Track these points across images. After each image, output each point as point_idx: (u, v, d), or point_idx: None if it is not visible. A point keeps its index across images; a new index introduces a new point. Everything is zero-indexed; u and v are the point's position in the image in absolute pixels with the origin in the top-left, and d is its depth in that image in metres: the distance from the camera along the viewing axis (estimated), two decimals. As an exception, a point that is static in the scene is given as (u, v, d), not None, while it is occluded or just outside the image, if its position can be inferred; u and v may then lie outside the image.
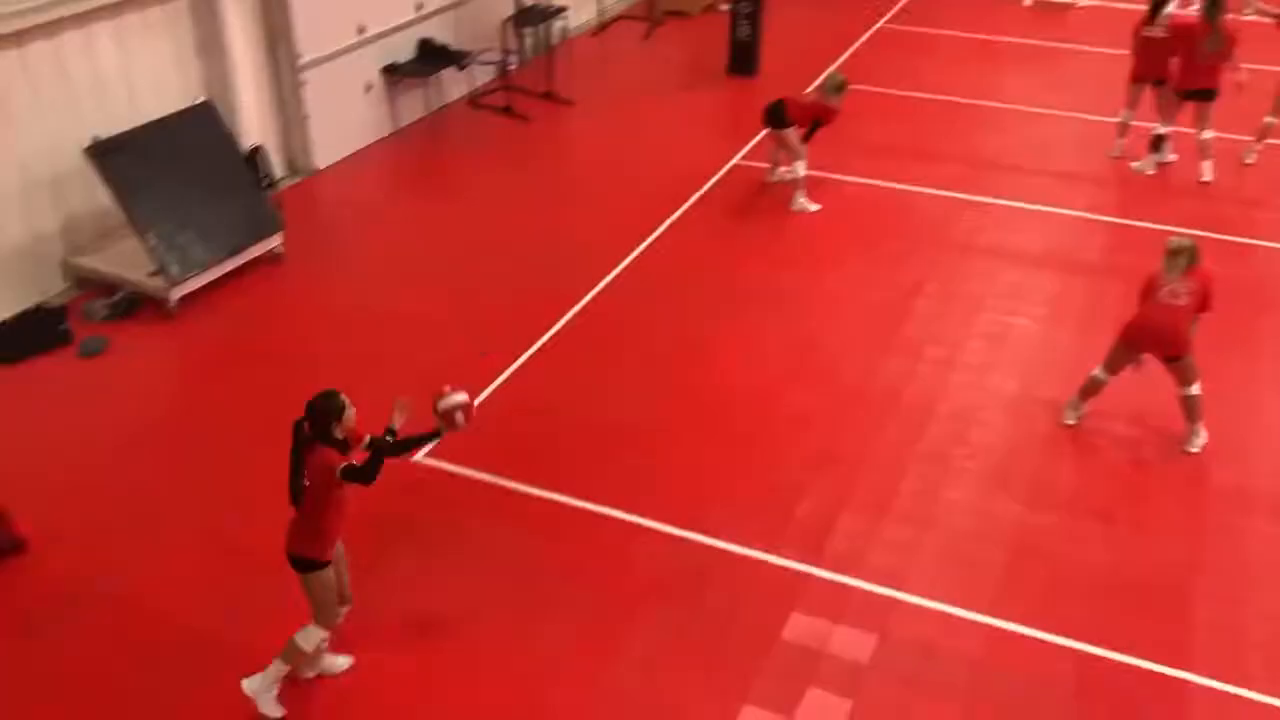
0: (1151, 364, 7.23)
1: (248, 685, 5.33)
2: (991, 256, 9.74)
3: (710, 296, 9.04)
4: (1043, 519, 6.71)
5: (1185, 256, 6.96)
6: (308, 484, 4.99)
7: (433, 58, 12.25)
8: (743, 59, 13.74)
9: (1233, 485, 7.00)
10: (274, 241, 9.44)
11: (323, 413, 4.93)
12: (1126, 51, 11.21)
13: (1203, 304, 7.00)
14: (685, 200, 10.62)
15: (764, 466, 7.12)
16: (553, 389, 7.85)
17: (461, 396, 5.32)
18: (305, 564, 5.16)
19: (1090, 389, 7.41)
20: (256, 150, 10.23)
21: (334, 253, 9.80)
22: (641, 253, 9.70)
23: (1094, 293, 9.01)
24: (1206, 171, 10.79)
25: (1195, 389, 7.14)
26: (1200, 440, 7.27)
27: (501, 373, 7.99)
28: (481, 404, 7.50)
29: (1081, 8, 15.41)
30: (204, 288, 8.87)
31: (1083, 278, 9.37)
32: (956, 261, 9.63)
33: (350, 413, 5.00)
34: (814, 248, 9.85)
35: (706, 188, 10.91)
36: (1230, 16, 10.53)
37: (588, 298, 8.97)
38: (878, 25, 15.70)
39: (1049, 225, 10.24)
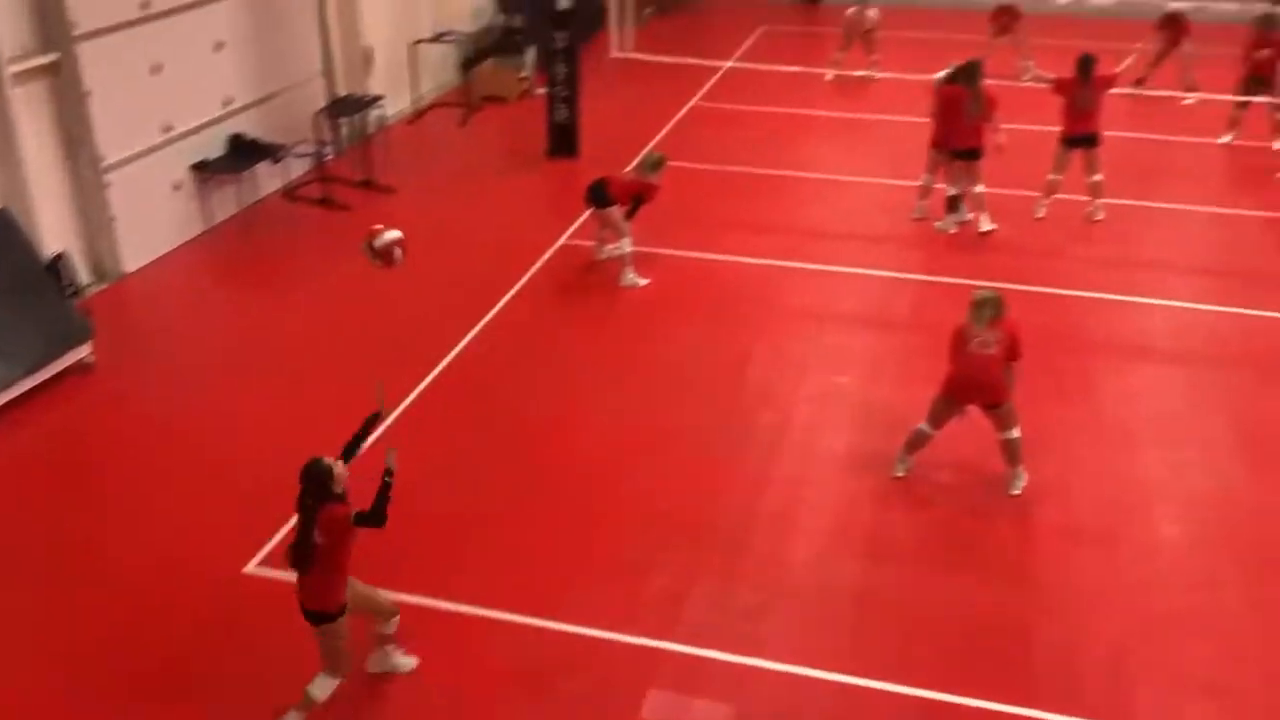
0: (971, 411, 7.55)
1: None
2: (814, 320, 10.06)
3: (547, 376, 9.03)
4: (885, 572, 6.88)
5: (990, 308, 7.31)
6: (321, 542, 5.28)
7: (244, 153, 11.97)
8: (562, 141, 13.95)
9: (1058, 522, 7.34)
10: (83, 351, 8.95)
11: (318, 476, 5.31)
12: (923, 119, 11.89)
13: (1012, 352, 7.36)
14: (515, 282, 10.62)
15: (614, 544, 7.08)
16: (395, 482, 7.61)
17: (395, 233, 5.61)
18: (323, 617, 5.46)
19: (916, 442, 7.69)
20: (59, 257, 9.73)
21: (147, 357, 9.36)
22: (475, 337, 9.62)
23: (910, 347, 9.40)
24: (984, 223, 11.52)
25: (1015, 433, 7.49)
26: (1022, 482, 7.61)
27: (336, 471, 7.73)
28: (316, 505, 7.22)
29: (879, 80, 16.32)
30: (6, 405, 8.31)
31: (899, 334, 9.78)
32: (782, 327, 9.91)
33: (340, 469, 5.38)
34: (646, 321, 9.98)
35: (535, 269, 10.94)
36: (996, 83, 11.32)
37: (422, 385, 8.82)
38: (691, 103, 16.22)
39: (865, 287, 10.67)
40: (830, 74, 16.76)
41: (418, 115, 15.67)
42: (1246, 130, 14.12)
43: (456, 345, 9.44)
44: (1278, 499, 7.55)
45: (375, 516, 5.41)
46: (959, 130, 11.29)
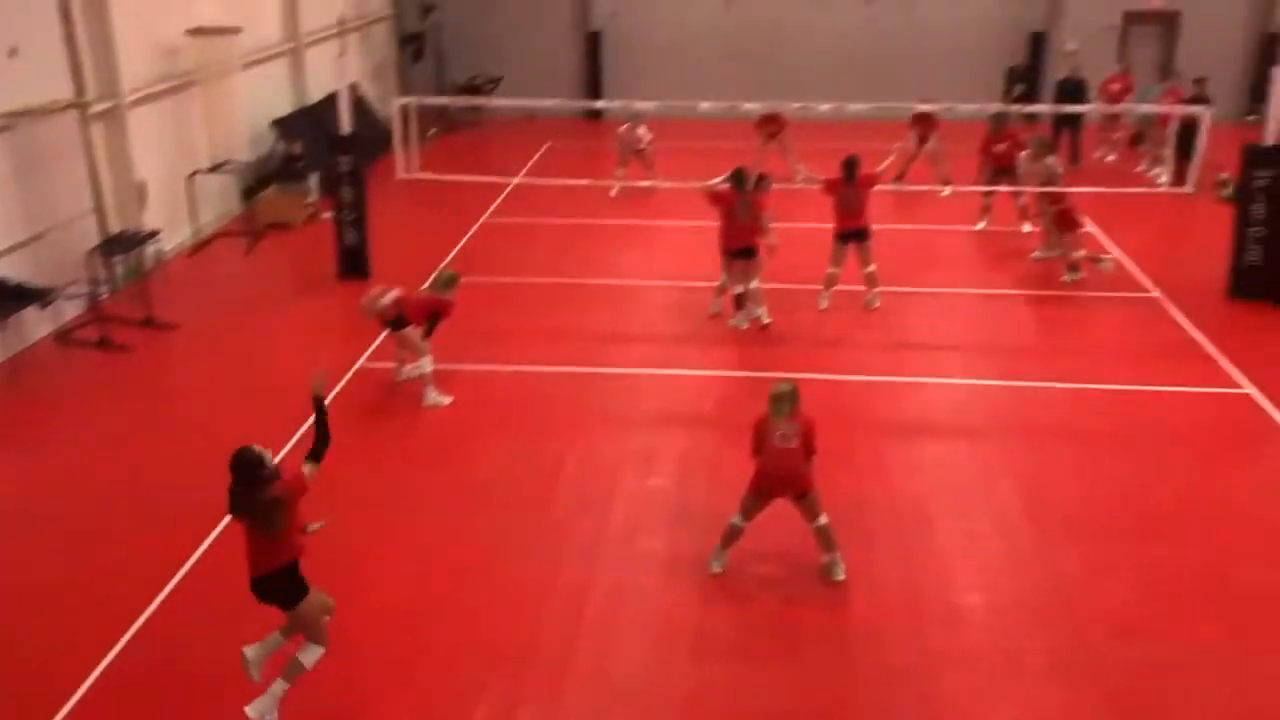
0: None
1: (252, 710, 5.96)
2: (621, 424, 10.18)
3: (354, 507, 8.71)
4: (713, 671, 6.90)
5: (788, 401, 7.58)
6: (286, 507, 5.95)
7: (8, 298, 11.25)
8: (353, 264, 13.78)
9: (868, 603, 7.55)
10: None
11: (247, 463, 5.90)
12: (709, 223, 12.36)
13: (809, 445, 7.63)
14: (311, 415, 10.27)
15: (434, 679, 6.84)
16: (192, 640, 7.16)
17: (394, 292, 6.32)
18: (296, 587, 6.08)
19: (731, 537, 7.82)
20: None
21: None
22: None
23: (717, 442, 9.61)
24: (764, 316, 12.07)
25: (824, 520, 7.72)
26: (841, 568, 7.81)
27: (128, 628, 7.20)
28: (115, 663, 6.70)
29: (663, 190, 16.91)
30: None
31: (705, 430, 10.00)
32: (591, 433, 9.96)
33: (268, 455, 5.99)
34: (453, 441, 9.84)
35: (332, 396, 10.64)
36: (777, 186, 12.04)
37: (217, 530, 8.35)
38: (482, 219, 16.36)
39: (669, 386, 10.90)
40: (614, 189, 17.26)
41: (199, 247, 15.18)
42: (997, 217, 15.36)
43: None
44: (1065, 560, 8.04)
45: (320, 441, 6.19)
46: (734, 231, 11.85)
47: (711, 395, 10.75)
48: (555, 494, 8.95)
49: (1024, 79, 21.05)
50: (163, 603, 7.56)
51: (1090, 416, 10.18)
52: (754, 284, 12.00)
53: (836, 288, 12.60)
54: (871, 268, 12.54)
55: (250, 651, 6.33)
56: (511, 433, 9.95)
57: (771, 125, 17.79)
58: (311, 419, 6.48)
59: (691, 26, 22.72)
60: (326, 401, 6.52)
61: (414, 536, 8.37)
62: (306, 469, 6.21)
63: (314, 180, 16.46)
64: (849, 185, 12.29)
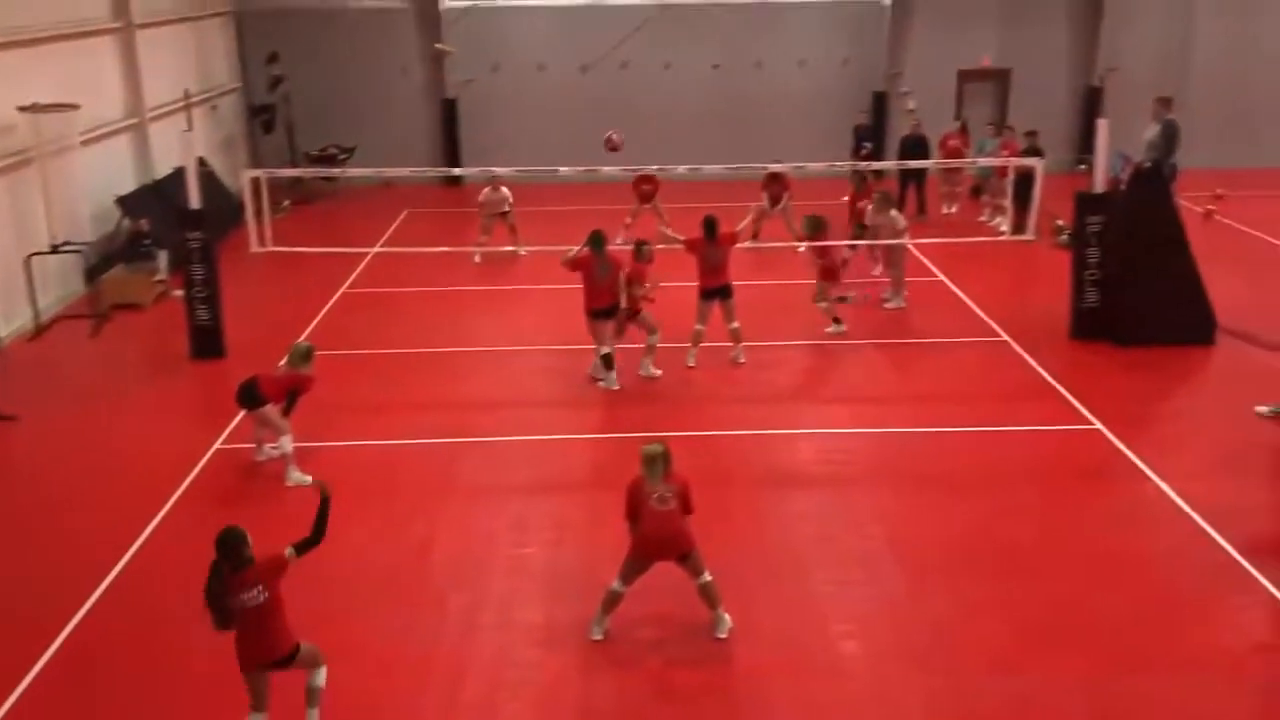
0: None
1: None
2: (493, 493, 10.01)
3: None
4: (597, 742, 6.77)
5: (661, 461, 7.56)
6: (269, 590, 6.30)
7: None
8: (206, 343, 13.30)
9: (752, 657, 7.54)
10: None
11: (232, 542, 6.30)
12: (575, 286, 12.35)
13: (686, 505, 7.62)
14: (166, 500, 9.82)
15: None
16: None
17: None
18: (295, 651, 6.49)
19: (610, 603, 7.72)
20: None
21: None
22: (124, 568, 8.75)
23: (593, 506, 9.51)
24: (613, 381, 12.16)
25: (707, 577, 7.68)
26: (726, 624, 7.77)
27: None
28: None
29: (524, 255, 16.91)
30: None
31: (580, 494, 9.91)
32: (462, 505, 9.77)
33: (248, 538, 6.35)
34: (317, 521, 9.50)
35: (188, 482, 10.20)
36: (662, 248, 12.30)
37: (64, 634, 7.84)
38: (341, 290, 16.04)
39: (540, 452, 10.78)
40: (477, 256, 17.16)
41: (40, 332, 14.44)
42: (856, 269, 15.82)
43: (100, 584, 8.50)
44: (937, 602, 8.20)
45: (316, 533, 6.55)
46: (595, 292, 11.99)
47: (584, 458, 10.69)
48: (428, 570, 8.72)
49: (869, 137, 21.88)
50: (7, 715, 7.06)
51: (951, 459, 10.49)
52: (606, 349, 12.09)
53: (703, 344, 12.75)
54: (735, 324, 12.73)
55: None
56: (380, 509, 9.68)
57: (647, 185, 17.97)
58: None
59: (547, 92, 22.93)
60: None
61: (281, 624, 8.01)
62: (288, 553, 6.48)
63: (163, 258, 15.88)
64: (711, 244, 12.51)
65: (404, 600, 8.28)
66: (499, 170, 17.27)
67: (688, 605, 7.78)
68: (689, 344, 12.75)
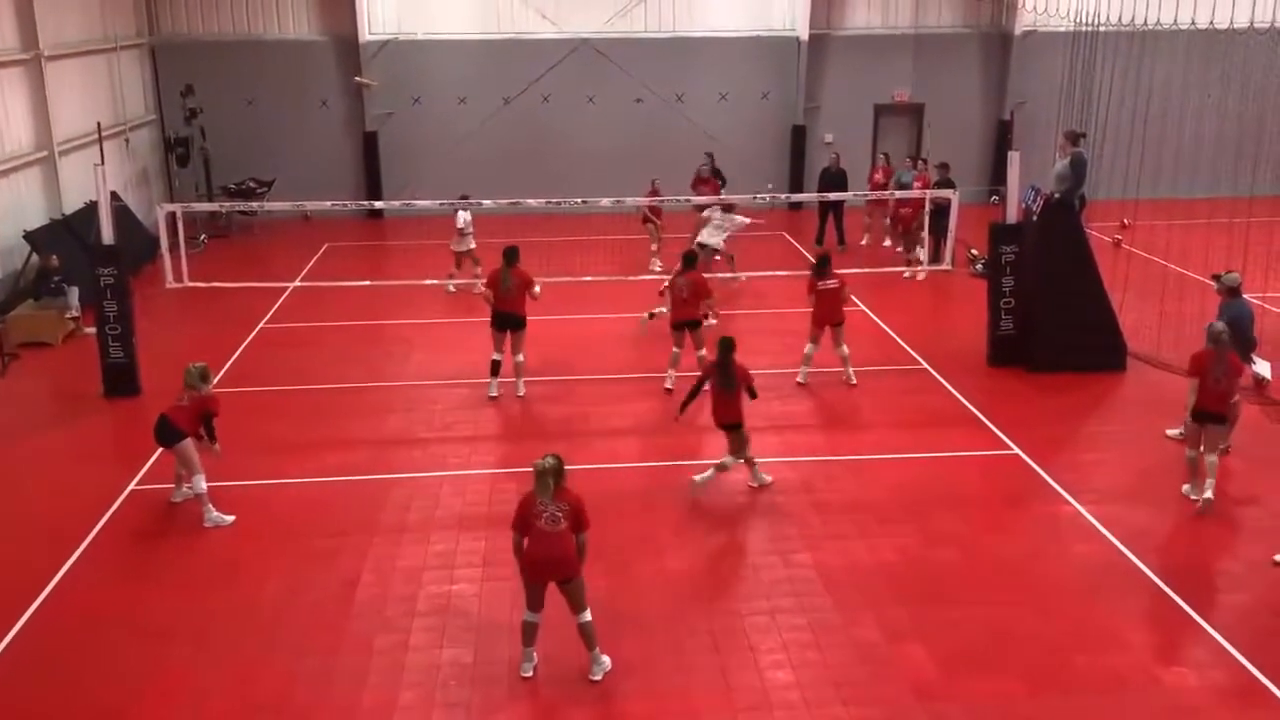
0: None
1: None
2: (419, 530, 9.84)
3: (127, 647, 8.03)
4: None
5: (552, 476, 7.35)
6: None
7: None
8: (120, 380, 12.94)
9: (681, 706, 7.43)
10: None
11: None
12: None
13: (579, 522, 7.41)
14: (77, 545, 9.49)
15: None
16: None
17: None
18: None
19: (528, 633, 7.61)
20: None
21: None
22: (32, 616, 8.42)
23: (510, 540, 9.36)
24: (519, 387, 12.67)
25: (588, 615, 7.53)
26: (604, 666, 7.62)
27: None
28: None
29: (453, 291, 16.80)
30: None
31: (502, 528, 9.75)
32: (387, 542, 9.59)
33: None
34: (237, 563, 9.25)
35: (100, 525, 9.88)
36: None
37: (-30, 686, 7.53)
38: (259, 325, 15.74)
39: (463, 487, 10.65)
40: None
41: (-59, 371, 13.94)
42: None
43: (4, 638, 8.18)
44: (865, 630, 8.25)
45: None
46: (499, 299, 12.66)
47: (508, 492, 10.55)
48: (351, 610, 8.53)
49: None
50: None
51: (875, 486, 10.60)
52: (519, 357, 12.66)
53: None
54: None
55: None
56: (301, 549, 9.46)
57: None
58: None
59: (468, 125, 22.86)
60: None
61: (193, 670, 7.76)
62: None
63: (74, 294, 15.43)
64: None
65: (326, 643, 8.08)
66: (420, 203, 17.09)
67: (619, 642, 7.72)
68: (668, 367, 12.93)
